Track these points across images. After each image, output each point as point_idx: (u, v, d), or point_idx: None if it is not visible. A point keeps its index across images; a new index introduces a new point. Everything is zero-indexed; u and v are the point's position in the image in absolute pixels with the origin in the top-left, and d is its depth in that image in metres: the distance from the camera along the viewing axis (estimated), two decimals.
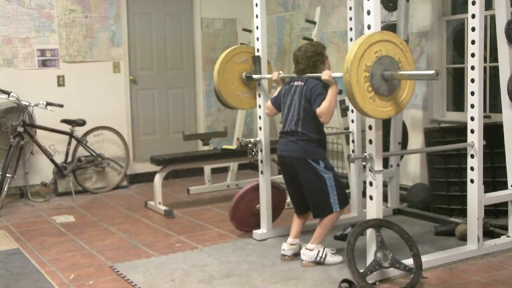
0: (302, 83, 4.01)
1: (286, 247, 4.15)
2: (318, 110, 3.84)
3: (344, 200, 4.04)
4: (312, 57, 4.02)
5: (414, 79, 3.62)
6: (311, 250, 3.99)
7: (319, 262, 3.99)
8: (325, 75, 3.85)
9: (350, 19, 4.99)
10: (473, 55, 3.95)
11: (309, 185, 3.98)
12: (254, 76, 4.57)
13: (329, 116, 3.84)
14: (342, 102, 5.72)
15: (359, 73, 3.40)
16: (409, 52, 3.60)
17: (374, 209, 3.68)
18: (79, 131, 6.43)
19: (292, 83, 4.10)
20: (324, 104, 3.82)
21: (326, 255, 3.99)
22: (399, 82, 3.53)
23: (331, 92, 3.84)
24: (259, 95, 4.61)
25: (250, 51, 4.72)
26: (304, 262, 4.00)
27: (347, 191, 5.48)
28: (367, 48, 3.41)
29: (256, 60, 4.57)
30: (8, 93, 5.95)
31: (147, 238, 4.80)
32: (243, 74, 4.66)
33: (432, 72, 3.33)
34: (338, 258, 4.02)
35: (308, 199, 4.05)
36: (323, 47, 4.13)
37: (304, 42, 6.15)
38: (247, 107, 4.93)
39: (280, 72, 4.36)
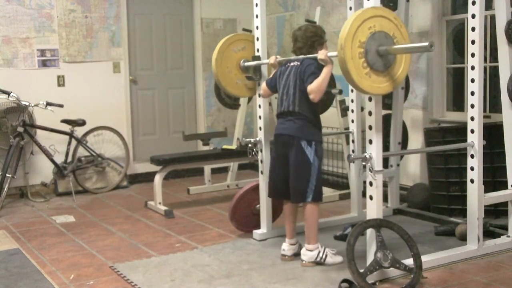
0: (298, 63, 4.00)
1: (286, 247, 4.15)
2: (309, 87, 3.82)
3: (319, 195, 4.00)
4: (311, 37, 4.02)
5: (408, 52, 3.62)
6: (311, 250, 3.99)
7: (319, 263, 3.98)
8: (321, 54, 3.83)
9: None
10: (473, 55, 3.95)
11: (296, 165, 3.96)
12: (250, 63, 4.59)
13: (319, 94, 3.81)
14: (342, 102, 5.72)
15: (354, 50, 3.39)
16: (403, 27, 3.59)
17: (374, 209, 3.68)
18: (79, 131, 6.43)
19: (288, 64, 4.10)
20: (316, 82, 3.81)
21: (326, 255, 3.99)
22: (394, 57, 3.53)
23: (325, 70, 3.82)
24: (259, 95, 4.61)
25: (247, 39, 4.74)
26: (304, 262, 4.00)
27: (347, 191, 5.55)
28: (361, 24, 3.41)
29: (256, 60, 4.57)
30: (8, 93, 5.96)
31: (147, 238, 4.80)
32: (241, 61, 4.66)
33: (426, 44, 3.33)
34: (339, 259, 4.02)
35: (290, 179, 4.01)
36: (323, 31, 4.14)
37: None
38: (247, 94, 4.92)
39: (278, 56, 4.35)
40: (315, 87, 3.81)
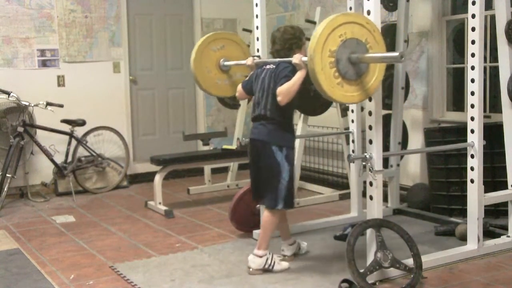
0: (274, 67, 3.89)
1: (286, 247, 4.15)
2: (278, 89, 3.70)
3: (290, 202, 3.90)
4: (289, 39, 3.90)
5: (378, 62, 3.51)
6: (260, 257, 3.87)
7: (267, 270, 3.88)
8: (295, 58, 3.71)
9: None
10: (473, 55, 3.95)
11: (266, 170, 3.86)
12: (226, 63, 4.51)
13: (287, 97, 3.67)
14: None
15: (324, 60, 3.31)
16: (377, 31, 3.50)
17: (374, 209, 3.68)
18: (79, 131, 6.43)
19: (264, 66, 3.99)
20: (286, 85, 3.69)
21: (274, 262, 3.90)
22: (367, 65, 3.46)
23: (298, 75, 3.69)
24: None
25: (226, 37, 4.63)
26: (251, 270, 3.87)
27: (347, 191, 5.55)
28: (331, 32, 3.32)
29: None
30: (8, 93, 5.95)
31: (147, 238, 4.80)
32: (221, 60, 4.55)
33: (396, 54, 3.27)
34: (285, 265, 3.96)
35: (260, 185, 3.94)
36: (302, 33, 3.99)
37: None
38: (228, 93, 4.74)
39: (255, 57, 4.26)
40: (284, 90, 3.68)
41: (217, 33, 4.75)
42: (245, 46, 4.74)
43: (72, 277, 3.91)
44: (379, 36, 3.51)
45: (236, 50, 4.67)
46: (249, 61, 4.20)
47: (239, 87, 4.14)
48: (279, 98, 3.70)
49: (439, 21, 5.47)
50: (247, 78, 4.13)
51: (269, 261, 3.89)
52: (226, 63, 4.56)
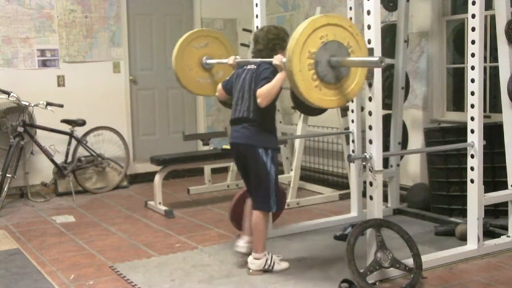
0: (255, 67, 3.81)
1: (242, 244, 4.04)
2: (258, 91, 3.64)
3: (279, 204, 3.91)
4: (272, 40, 3.82)
5: (358, 66, 3.45)
6: (259, 259, 3.86)
7: (267, 270, 3.87)
8: (276, 59, 3.64)
9: (350, 19, 4.98)
10: (473, 55, 3.95)
11: (255, 174, 3.83)
12: (208, 61, 4.44)
13: (267, 99, 3.62)
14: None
15: (303, 61, 3.25)
16: (359, 35, 3.45)
17: (374, 209, 3.68)
18: (79, 131, 6.43)
19: (245, 66, 3.91)
20: (266, 86, 3.62)
21: (274, 262, 3.89)
22: (348, 69, 3.39)
23: (278, 76, 3.62)
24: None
25: (210, 35, 4.54)
26: (251, 271, 3.86)
27: (347, 191, 5.54)
28: (311, 33, 3.26)
29: None
30: (8, 93, 5.95)
31: (147, 238, 4.80)
32: (204, 58, 4.46)
33: (376, 59, 3.22)
34: (285, 265, 3.94)
35: (252, 187, 3.91)
36: (286, 34, 3.90)
37: None
38: (210, 93, 4.63)
39: (237, 56, 4.18)
40: (264, 92, 3.62)
41: (200, 30, 4.66)
42: (229, 44, 4.63)
43: (72, 277, 3.91)
44: (362, 40, 3.47)
45: (220, 49, 4.56)
46: (230, 60, 4.14)
47: (219, 86, 4.07)
48: (258, 100, 3.64)
49: (439, 21, 5.47)
50: (228, 78, 4.06)
51: (268, 262, 3.87)
52: (209, 61, 4.46)
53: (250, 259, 3.89)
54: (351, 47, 3.41)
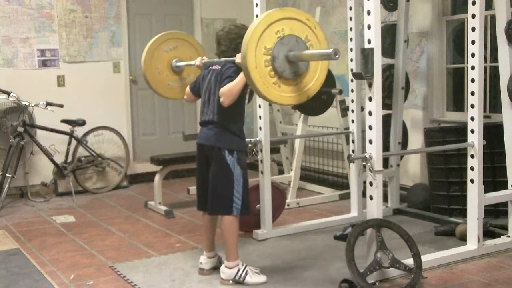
0: (219, 67, 3.75)
1: (204, 261, 3.92)
2: (220, 90, 3.57)
3: (246, 207, 3.76)
4: (234, 39, 3.73)
5: (314, 60, 3.33)
6: (231, 268, 3.72)
7: (238, 281, 3.71)
8: (238, 58, 3.54)
9: (350, 19, 4.99)
10: (473, 55, 3.95)
11: (215, 175, 3.70)
12: (178, 64, 4.40)
13: (229, 98, 3.54)
14: (342, 102, 5.72)
15: (258, 57, 3.16)
16: (318, 28, 3.36)
17: (374, 209, 3.68)
18: (79, 131, 6.43)
19: (210, 67, 3.84)
20: (228, 85, 3.55)
21: (246, 274, 3.72)
22: (307, 64, 3.31)
23: (241, 75, 3.52)
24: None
25: (178, 37, 4.50)
26: (222, 280, 3.75)
27: (347, 191, 5.55)
28: (266, 28, 3.16)
29: None
30: (8, 93, 5.95)
31: (147, 238, 4.80)
32: (173, 61, 4.41)
33: (329, 51, 3.12)
34: (261, 279, 3.74)
35: (210, 190, 3.74)
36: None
37: None
38: (180, 96, 4.55)
39: (204, 57, 4.08)
40: (226, 91, 3.55)
41: (169, 33, 4.57)
42: (199, 46, 4.59)
43: (72, 277, 3.91)
44: (321, 33, 3.38)
45: (190, 51, 4.51)
46: (197, 61, 4.07)
47: (187, 89, 4.01)
48: (221, 99, 3.57)
49: (439, 21, 5.47)
50: (195, 79, 4.01)
51: (240, 273, 3.72)
52: (178, 63, 4.42)
53: (222, 267, 3.79)
54: (310, 41, 3.32)
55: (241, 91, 3.59)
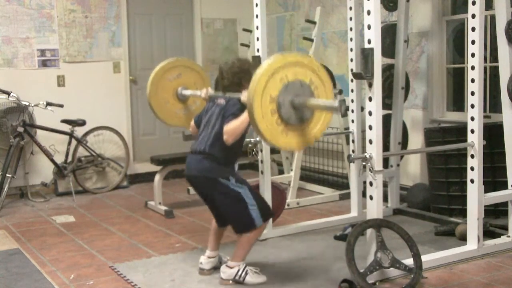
0: (224, 103, 3.71)
1: (204, 260, 3.91)
2: (225, 127, 3.54)
3: (267, 212, 3.77)
4: (237, 73, 3.72)
5: (318, 109, 3.34)
6: (231, 268, 3.72)
7: (238, 281, 3.71)
8: (243, 96, 3.52)
9: (350, 19, 4.99)
10: (473, 55, 3.95)
11: (226, 203, 3.69)
12: (184, 92, 4.39)
13: (233, 136, 3.52)
14: (342, 102, 5.71)
15: (264, 107, 3.15)
16: (321, 69, 3.36)
17: (374, 209, 3.68)
18: (79, 131, 6.43)
19: (216, 100, 3.81)
20: (233, 123, 3.52)
21: (246, 274, 3.71)
22: (312, 111, 3.30)
23: (245, 114, 3.43)
24: None
25: (181, 64, 4.48)
26: (222, 279, 3.74)
27: (347, 191, 5.54)
28: (270, 77, 3.16)
29: (256, 60, 4.56)
30: (8, 93, 5.95)
31: (147, 238, 4.80)
32: (179, 89, 4.40)
33: (335, 104, 3.14)
34: (260, 279, 3.75)
35: (227, 217, 3.77)
36: (251, 65, 3.83)
37: (304, 41, 6.16)
38: (186, 124, 4.52)
39: (209, 89, 4.04)
40: (230, 129, 3.51)
41: (171, 62, 4.53)
42: (202, 71, 4.58)
43: (72, 277, 3.91)
44: (325, 74, 3.38)
45: (194, 77, 4.52)
46: (203, 93, 4.05)
47: (192, 122, 3.99)
48: (225, 137, 3.54)
49: (439, 21, 5.47)
50: (199, 113, 3.98)
51: (240, 272, 3.71)
52: (184, 92, 4.41)
53: (223, 267, 3.79)
54: (314, 83, 3.32)
55: (245, 130, 3.58)
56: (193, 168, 3.74)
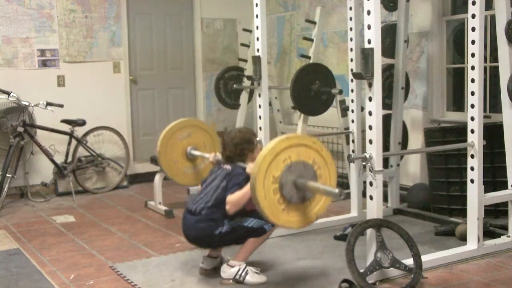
0: (230, 169, 3.74)
1: (205, 260, 3.93)
2: (228, 197, 3.58)
3: (267, 222, 3.66)
4: (239, 144, 3.76)
5: (320, 194, 3.41)
6: (232, 267, 3.73)
7: (238, 281, 3.71)
8: (249, 167, 3.57)
9: (350, 19, 4.99)
10: (473, 55, 3.95)
11: (232, 240, 3.73)
12: (193, 152, 4.41)
13: (235, 207, 3.57)
14: (342, 102, 5.72)
15: (267, 187, 3.22)
16: (324, 150, 3.42)
17: (374, 209, 3.68)
18: (79, 131, 6.43)
19: (222, 165, 3.83)
20: (236, 194, 3.57)
21: (246, 273, 3.71)
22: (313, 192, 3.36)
23: (248, 185, 3.45)
24: (259, 95, 4.62)
25: (190, 124, 4.50)
26: (223, 280, 3.74)
27: (347, 191, 5.53)
28: (273, 159, 3.23)
29: (256, 60, 4.57)
30: (8, 93, 5.95)
31: (147, 238, 4.80)
32: (188, 149, 4.44)
33: (336, 191, 3.22)
34: (261, 279, 3.75)
35: (238, 242, 3.79)
36: (253, 134, 3.88)
37: (304, 41, 6.15)
38: (194, 183, 4.62)
39: (217, 154, 4.10)
40: (234, 200, 3.57)
41: (181, 122, 4.56)
42: (211, 130, 4.61)
43: (72, 277, 3.91)
44: (328, 155, 3.44)
45: (203, 136, 4.58)
46: (211, 157, 4.12)
47: (199, 187, 3.98)
48: (227, 207, 3.59)
49: (439, 21, 5.47)
50: (206, 176, 3.97)
51: (240, 272, 3.72)
52: (193, 152, 4.43)
53: (223, 267, 3.79)
54: (317, 163, 3.38)
55: (248, 200, 3.57)
56: (190, 228, 3.77)
